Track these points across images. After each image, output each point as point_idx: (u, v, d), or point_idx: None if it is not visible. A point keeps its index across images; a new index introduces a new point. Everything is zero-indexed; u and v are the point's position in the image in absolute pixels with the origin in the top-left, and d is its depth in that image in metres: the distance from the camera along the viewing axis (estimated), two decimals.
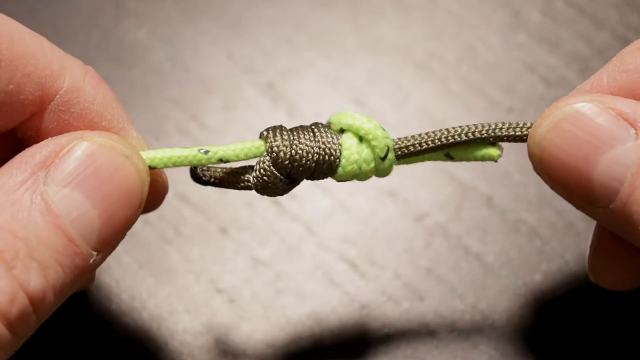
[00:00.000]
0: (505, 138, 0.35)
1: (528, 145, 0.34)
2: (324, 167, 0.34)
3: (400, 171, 0.44)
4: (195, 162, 0.34)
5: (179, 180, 0.45)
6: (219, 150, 0.34)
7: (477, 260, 0.43)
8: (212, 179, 0.35)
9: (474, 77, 0.48)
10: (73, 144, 0.31)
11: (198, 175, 0.35)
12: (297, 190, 0.45)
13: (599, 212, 0.33)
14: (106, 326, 0.42)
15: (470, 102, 0.47)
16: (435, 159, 0.36)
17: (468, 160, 0.35)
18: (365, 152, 0.34)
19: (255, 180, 0.34)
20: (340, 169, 0.34)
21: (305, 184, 0.45)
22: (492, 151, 0.35)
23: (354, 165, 0.34)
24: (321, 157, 0.34)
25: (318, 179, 0.35)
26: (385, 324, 0.42)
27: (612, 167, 0.32)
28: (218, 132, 0.46)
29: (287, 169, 0.34)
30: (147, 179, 0.32)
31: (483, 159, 0.35)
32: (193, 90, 0.47)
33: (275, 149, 0.34)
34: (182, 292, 0.42)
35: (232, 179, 0.34)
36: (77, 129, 0.33)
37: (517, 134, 0.35)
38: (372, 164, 0.35)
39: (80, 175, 0.30)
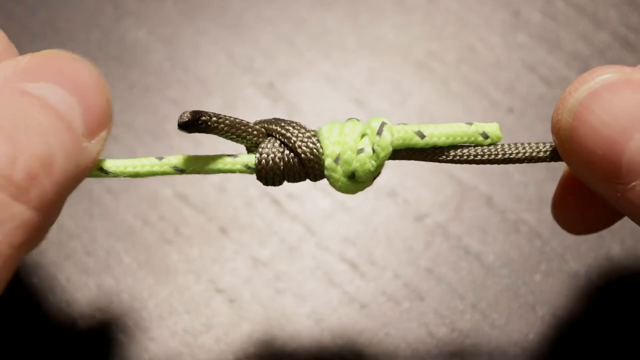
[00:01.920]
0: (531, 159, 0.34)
1: (556, 111, 0.32)
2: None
3: (401, 171, 0.44)
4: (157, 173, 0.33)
5: (179, 180, 0.45)
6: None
7: (477, 260, 0.43)
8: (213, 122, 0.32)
9: (474, 77, 0.48)
10: (30, 55, 0.31)
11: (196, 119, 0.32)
12: (297, 190, 0.45)
13: (614, 189, 0.31)
14: (106, 326, 0.42)
15: (471, 102, 0.47)
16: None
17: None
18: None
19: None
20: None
21: (304, 184, 0.45)
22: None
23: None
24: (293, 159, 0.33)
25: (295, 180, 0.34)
26: (385, 324, 0.42)
27: None
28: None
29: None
30: (104, 79, 0.32)
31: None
32: (193, 90, 0.47)
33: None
34: (182, 292, 0.42)
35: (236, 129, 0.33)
36: None
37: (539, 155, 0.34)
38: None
39: (49, 70, 0.31)
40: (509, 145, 0.34)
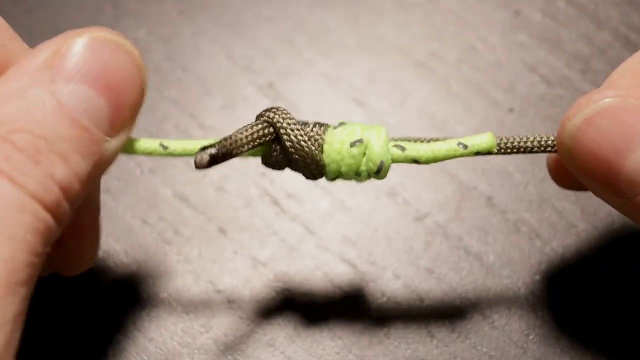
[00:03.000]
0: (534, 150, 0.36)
1: (558, 134, 0.35)
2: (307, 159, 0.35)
3: (401, 171, 0.44)
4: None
5: (179, 180, 0.45)
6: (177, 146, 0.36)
7: (477, 261, 0.43)
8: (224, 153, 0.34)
9: (474, 76, 0.47)
10: (69, 42, 0.32)
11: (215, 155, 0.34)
12: (297, 190, 0.45)
13: (620, 202, 0.34)
14: (106, 326, 0.42)
15: (471, 101, 0.47)
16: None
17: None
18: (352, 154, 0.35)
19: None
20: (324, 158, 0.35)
21: (304, 184, 0.45)
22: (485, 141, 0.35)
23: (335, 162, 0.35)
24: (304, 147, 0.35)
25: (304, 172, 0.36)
26: (385, 324, 0.42)
27: None
28: (217, 132, 0.46)
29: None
30: (142, 64, 0.34)
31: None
32: (192, 90, 0.47)
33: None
34: (181, 292, 0.42)
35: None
36: None
37: (543, 145, 0.36)
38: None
39: (83, 69, 0.32)
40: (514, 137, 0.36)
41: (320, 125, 0.36)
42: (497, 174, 0.45)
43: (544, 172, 0.45)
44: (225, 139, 0.34)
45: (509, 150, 0.36)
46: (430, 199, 0.44)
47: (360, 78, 0.48)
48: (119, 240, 0.43)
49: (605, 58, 0.48)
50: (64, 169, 0.31)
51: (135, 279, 0.43)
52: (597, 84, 0.47)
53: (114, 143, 0.33)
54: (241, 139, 0.34)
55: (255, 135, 0.35)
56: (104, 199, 0.44)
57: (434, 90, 0.47)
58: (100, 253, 0.43)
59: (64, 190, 0.31)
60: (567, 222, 0.44)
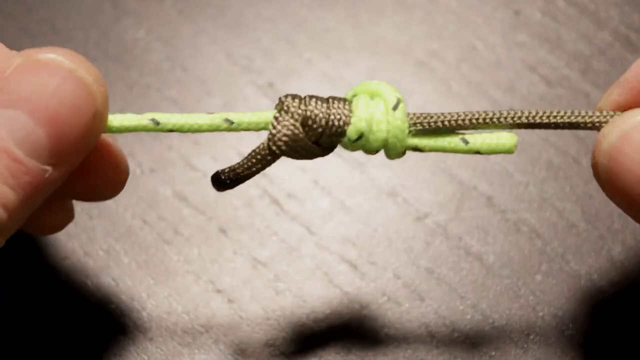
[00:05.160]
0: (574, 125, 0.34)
1: (594, 153, 0.34)
2: (335, 128, 0.34)
3: (400, 171, 0.44)
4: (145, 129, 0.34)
5: (179, 180, 0.45)
6: (169, 121, 0.34)
7: (477, 261, 0.43)
8: (233, 177, 0.35)
9: (474, 76, 0.47)
10: (16, 65, 0.31)
11: (220, 178, 0.35)
12: (297, 190, 0.45)
13: None
14: (105, 326, 0.41)
15: (471, 101, 0.47)
16: (452, 148, 0.35)
17: (482, 151, 0.35)
18: (374, 106, 0.34)
19: (282, 142, 0.34)
20: (350, 127, 0.34)
21: (304, 184, 0.45)
22: (507, 140, 0.35)
23: (363, 123, 0.34)
24: (331, 117, 0.34)
25: (329, 141, 0.35)
26: (385, 324, 0.42)
27: None
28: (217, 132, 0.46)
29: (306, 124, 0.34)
30: (99, 90, 0.32)
31: (497, 148, 0.35)
32: (192, 90, 0.47)
33: (289, 108, 0.34)
34: (181, 292, 0.42)
35: (250, 164, 0.35)
36: None
37: (589, 120, 0.34)
38: (384, 119, 0.34)
39: (22, 94, 0.30)
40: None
41: (339, 100, 0.35)
42: (497, 174, 0.45)
43: (544, 172, 0.45)
44: (236, 168, 0.34)
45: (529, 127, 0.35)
46: (430, 199, 0.44)
47: (360, 78, 0.48)
48: (118, 240, 0.43)
49: (605, 58, 0.48)
50: None
51: (136, 278, 0.43)
52: (597, 84, 0.47)
53: (56, 172, 0.31)
54: (251, 166, 0.34)
55: (263, 161, 0.34)
56: None
57: (434, 90, 0.47)
58: (101, 253, 0.43)
59: None
60: (568, 222, 0.44)
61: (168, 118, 0.34)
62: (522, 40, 0.48)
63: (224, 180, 0.35)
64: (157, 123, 0.34)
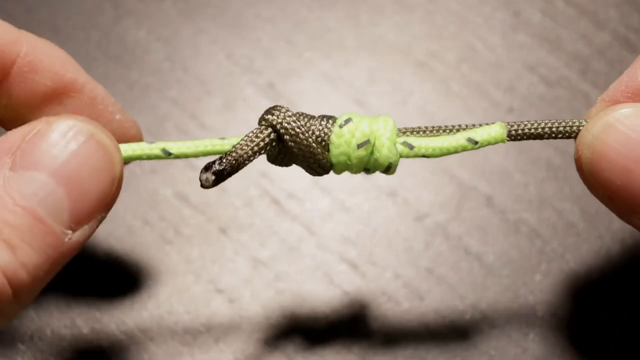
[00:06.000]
0: (555, 135, 0.35)
1: (577, 146, 0.34)
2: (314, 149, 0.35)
3: (400, 171, 0.44)
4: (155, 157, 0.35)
5: (179, 180, 0.45)
6: (180, 150, 0.35)
7: (477, 261, 0.43)
8: (228, 168, 0.34)
9: (474, 76, 0.48)
10: (39, 128, 0.31)
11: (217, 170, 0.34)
12: (297, 190, 0.45)
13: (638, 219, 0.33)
14: (106, 326, 0.42)
15: (471, 101, 0.47)
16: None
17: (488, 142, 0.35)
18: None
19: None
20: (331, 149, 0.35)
21: (304, 184, 0.45)
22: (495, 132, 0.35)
23: (342, 155, 0.35)
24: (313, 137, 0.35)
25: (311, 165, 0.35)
26: (385, 324, 0.42)
27: None
28: (217, 132, 0.46)
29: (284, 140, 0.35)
30: (116, 154, 0.33)
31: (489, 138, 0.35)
32: (192, 90, 0.47)
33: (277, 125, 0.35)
34: (182, 292, 0.42)
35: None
36: (45, 86, 0.34)
37: (567, 129, 0.35)
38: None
39: (45, 157, 0.31)
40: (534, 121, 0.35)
41: (327, 119, 0.35)
42: (497, 174, 0.45)
43: (544, 172, 0.45)
44: (228, 154, 0.33)
45: (519, 138, 0.35)
46: (430, 199, 0.45)
47: (360, 78, 0.48)
48: (119, 240, 0.43)
49: (605, 58, 0.48)
50: (8, 257, 0.30)
51: (136, 278, 0.43)
52: (596, 84, 0.47)
53: (76, 236, 0.31)
54: (246, 152, 0.34)
55: (259, 146, 0.34)
56: None
57: (434, 90, 0.47)
58: (101, 253, 0.43)
59: (8, 277, 0.30)
60: (567, 222, 0.44)
61: (179, 147, 0.35)
62: (522, 41, 0.48)
63: (220, 173, 0.34)
64: (169, 154, 0.35)
